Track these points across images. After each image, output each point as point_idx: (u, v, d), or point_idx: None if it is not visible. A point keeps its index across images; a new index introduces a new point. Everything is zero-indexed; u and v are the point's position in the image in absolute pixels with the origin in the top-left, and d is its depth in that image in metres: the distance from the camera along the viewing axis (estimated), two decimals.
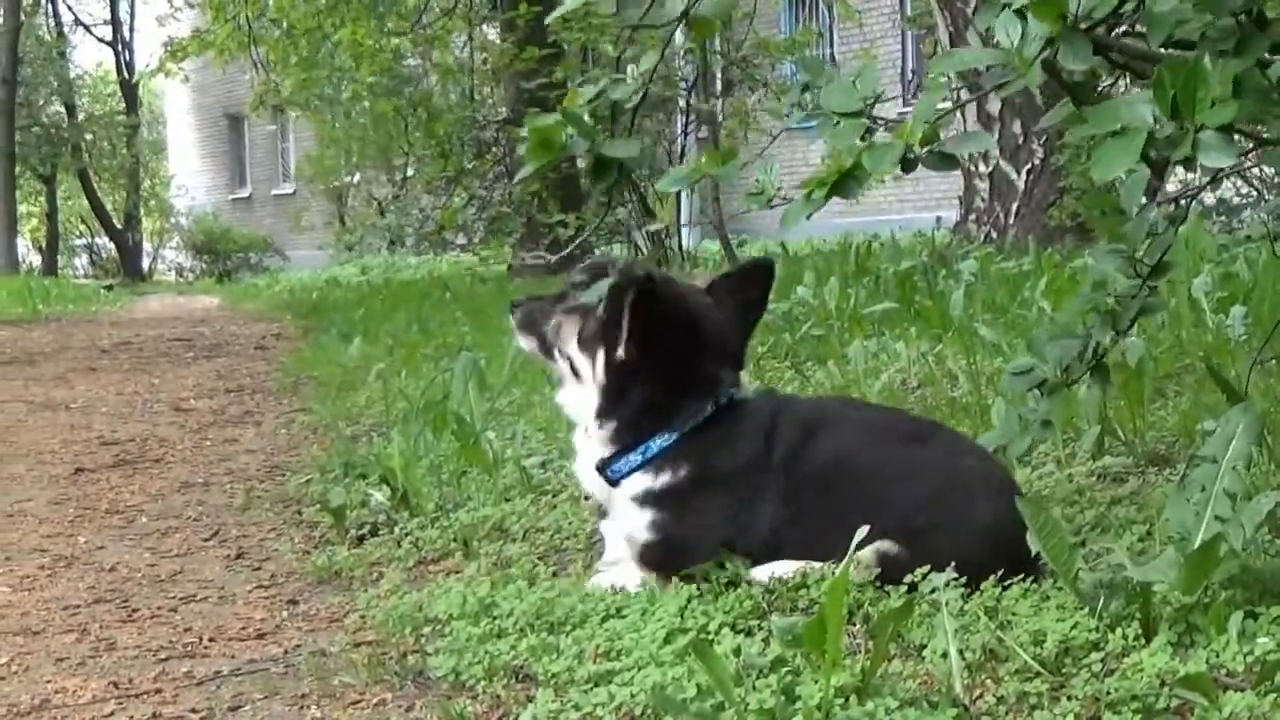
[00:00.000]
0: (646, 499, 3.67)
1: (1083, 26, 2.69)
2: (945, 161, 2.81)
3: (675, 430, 3.66)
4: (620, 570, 3.71)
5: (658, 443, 3.67)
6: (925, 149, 2.80)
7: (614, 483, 3.70)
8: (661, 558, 3.62)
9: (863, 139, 2.86)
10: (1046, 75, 2.72)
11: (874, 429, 3.71)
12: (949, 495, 3.42)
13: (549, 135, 3.23)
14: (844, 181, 2.82)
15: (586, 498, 4.36)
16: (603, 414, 3.72)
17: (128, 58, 42.45)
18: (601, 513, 3.87)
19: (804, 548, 3.46)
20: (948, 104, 2.99)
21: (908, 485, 3.46)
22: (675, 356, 3.67)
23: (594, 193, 4.34)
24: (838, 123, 2.91)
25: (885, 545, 3.33)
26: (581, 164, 3.35)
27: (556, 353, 3.82)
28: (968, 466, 3.52)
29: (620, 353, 3.65)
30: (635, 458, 3.68)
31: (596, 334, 3.72)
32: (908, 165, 2.79)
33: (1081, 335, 3.68)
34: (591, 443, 3.76)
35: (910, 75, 24.96)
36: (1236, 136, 2.67)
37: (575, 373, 3.78)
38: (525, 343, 3.92)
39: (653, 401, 3.68)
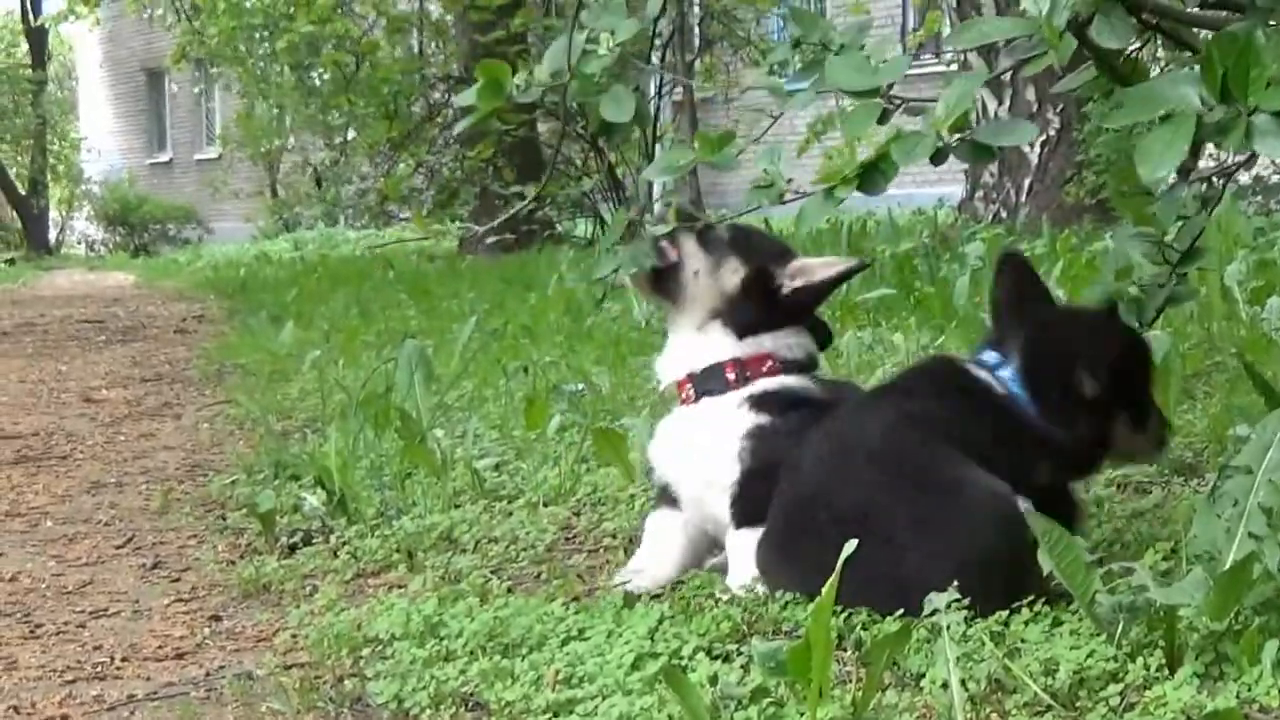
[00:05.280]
0: None
1: None
2: (980, 153, 2.77)
3: None
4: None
5: None
6: (956, 137, 2.76)
7: None
8: None
9: (879, 122, 2.83)
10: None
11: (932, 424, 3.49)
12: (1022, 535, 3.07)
13: (499, 77, 3.21)
14: (870, 175, 2.80)
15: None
16: None
17: (34, 2, 42.26)
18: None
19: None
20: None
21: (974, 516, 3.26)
22: None
23: (556, 159, 4.33)
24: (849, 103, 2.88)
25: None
26: (542, 127, 3.37)
27: None
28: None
29: None
30: None
31: None
32: (939, 157, 2.76)
33: None
34: None
35: (910, 31, 24.95)
36: None
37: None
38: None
39: None
